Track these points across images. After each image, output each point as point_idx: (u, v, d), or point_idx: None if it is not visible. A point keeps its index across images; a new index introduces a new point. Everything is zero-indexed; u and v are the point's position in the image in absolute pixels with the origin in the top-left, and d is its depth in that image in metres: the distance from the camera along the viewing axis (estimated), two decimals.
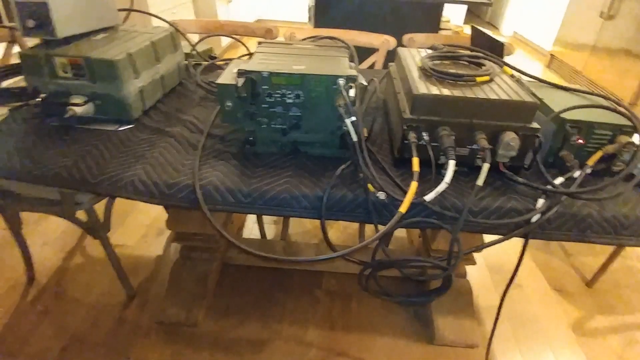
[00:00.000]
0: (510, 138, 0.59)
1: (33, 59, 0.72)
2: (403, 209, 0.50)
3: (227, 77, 0.63)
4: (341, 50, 0.73)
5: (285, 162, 0.66)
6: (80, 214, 0.91)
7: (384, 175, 0.64)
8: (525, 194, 0.61)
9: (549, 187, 0.60)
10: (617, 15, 2.53)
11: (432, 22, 1.94)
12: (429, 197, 0.54)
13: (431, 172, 0.61)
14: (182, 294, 1.07)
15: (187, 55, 0.93)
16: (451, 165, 0.55)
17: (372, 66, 1.25)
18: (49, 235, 1.33)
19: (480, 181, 0.55)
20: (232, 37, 1.10)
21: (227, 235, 0.51)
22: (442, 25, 2.32)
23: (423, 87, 0.61)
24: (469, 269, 1.15)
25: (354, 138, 0.55)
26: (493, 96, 0.60)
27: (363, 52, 1.37)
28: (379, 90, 0.90)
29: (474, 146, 0.62)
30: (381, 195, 0.55)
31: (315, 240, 1.34)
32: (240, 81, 0.59)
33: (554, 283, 1.23)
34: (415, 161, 0.56)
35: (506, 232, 0.59)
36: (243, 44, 1.05)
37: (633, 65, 2.38)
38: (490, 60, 0.73)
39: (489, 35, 0.95)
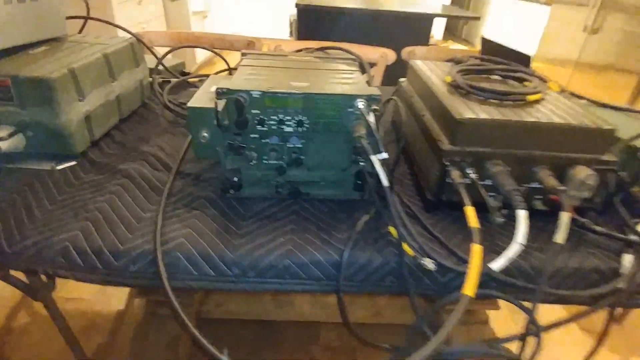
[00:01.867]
0: (585, 175, 0.44)
1: None
2: (470, 290, 0.34)
3: (201, 98, 0.46)
4: (348, 62, 0.58)
5: (283, 210, 0.49)
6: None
7: (416, 223, 0.48)
8: (604, 246, 0.47)
9: (635, 237, 0.46)
10: (602, 29, 2.52)
11: (421, 36, 1.84)
12: (497, 265, 0.38)
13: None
14: None
15: (153, 71, 0.76)
16: (523, 218, 0.39)
17: None
18: None
19: (560, 237, 0.40)
20: (211, 50, 0.94)
21: (205, 343, 0.33)
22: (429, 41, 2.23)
23: (466, 110, 0.46)
24: (491, 313, 1.00)
25: (384, 182, 0.39)
26: (557, 120, 0.46)
27: None
28: (391, 112, 0.76)
29: (532, 184, 0.47)
30: (429, 264, 0.39)
31: None
32: (221, 104, 0.42)
33: (581, 323, 1.09)
34: (471, 213, 0.40)
35: (590, 302, 0.43)
36: (222, 58, 0.89)
37: (620, 79, 2.36)
38: (529, 73, 0.59)
39: (507, 47, 0.82)
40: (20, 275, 0.73)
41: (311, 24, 1.79)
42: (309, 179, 0.50)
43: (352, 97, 0.43)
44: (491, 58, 0.66)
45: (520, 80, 0.58)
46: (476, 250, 0.36)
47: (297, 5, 1.77)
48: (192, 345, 0.94)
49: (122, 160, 0.58)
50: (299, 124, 0.45)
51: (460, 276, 0.40)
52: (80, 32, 0.89)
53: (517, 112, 0.47)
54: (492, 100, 0.50)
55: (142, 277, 0.41)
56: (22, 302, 1.06)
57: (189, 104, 0.44)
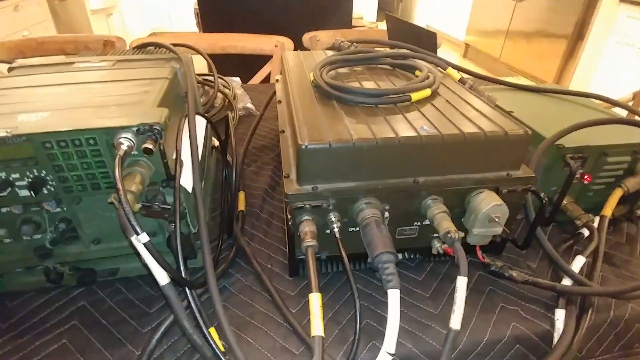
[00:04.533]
0: (491, 206, 0.30)
1: None
2: None
3: None
4: (161, 66, 0.40)
5: (64, 309, 0.31)
6: None
7: (271, 303, 0.32)
8: (531, 295, 0.34)
9: (568, 285, 0.33)
10: None
11: (342, 17, 1.68)
12: None
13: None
14: None
15: None
16: (393, 300, 0.24)
17: (266, 80, 0.93)
18: None
19: (456, 321, 0.25)
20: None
21: None
22: (355, 23, 2.09)
23: (315, 129, 0.30)
24: None
25: (159, 280, 0.23)
26: (450, 130, 0.31)
27: (255, 61, 1.06)
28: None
29: (426, 222, 0.33)
30: None
31: None
32: None
33: None
34: (316, 306, 0.24)
35: None
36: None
37: (550, 45, 2.36)
38: (425, 59, 0.45)
39: (412, 24, 0.68)
40: None
41: (214, 11, 1.58)
42: (100, 255, 0.32)
43: (108, 132, 0.26)
44: (380, 40, 0.51)
45: (412, 69, 0.44)
46: None
47: None
48: None
49: None
50: (38, 182, 0.27)
51: None
52: None
53: (394, 123, 0.32)
54: (362, 106, 0.35)
55: None
56: None
57: None
